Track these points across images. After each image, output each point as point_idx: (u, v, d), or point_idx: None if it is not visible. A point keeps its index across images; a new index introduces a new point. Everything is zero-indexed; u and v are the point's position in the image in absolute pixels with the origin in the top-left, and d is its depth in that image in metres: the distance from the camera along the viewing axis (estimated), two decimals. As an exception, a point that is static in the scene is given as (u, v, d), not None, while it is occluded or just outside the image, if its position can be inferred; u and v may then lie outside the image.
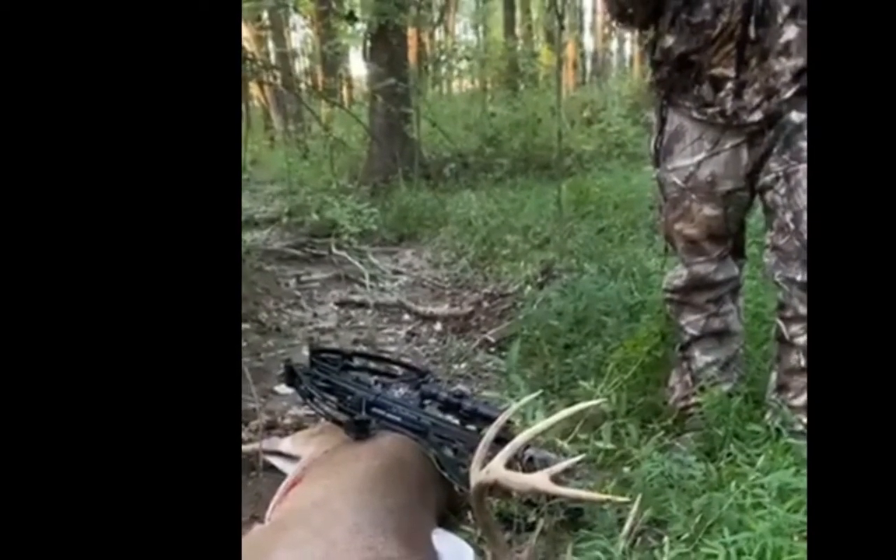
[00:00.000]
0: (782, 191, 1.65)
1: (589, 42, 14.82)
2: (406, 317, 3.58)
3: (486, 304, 3.52)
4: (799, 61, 1.57)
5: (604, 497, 1.31)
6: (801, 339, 1.67)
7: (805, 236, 1.62)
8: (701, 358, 1.89)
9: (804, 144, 1.60)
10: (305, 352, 2.03)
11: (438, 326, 3.39)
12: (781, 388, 1.74)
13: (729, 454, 1.57)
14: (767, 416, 1.71)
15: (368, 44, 6.63)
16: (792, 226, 1.65)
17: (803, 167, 1.61)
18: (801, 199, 1.62)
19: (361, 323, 3.54)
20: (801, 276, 1.64)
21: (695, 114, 1.71)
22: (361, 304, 3.78)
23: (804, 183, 1.61)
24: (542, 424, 1.27)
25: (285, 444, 1.91)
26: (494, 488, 1.26)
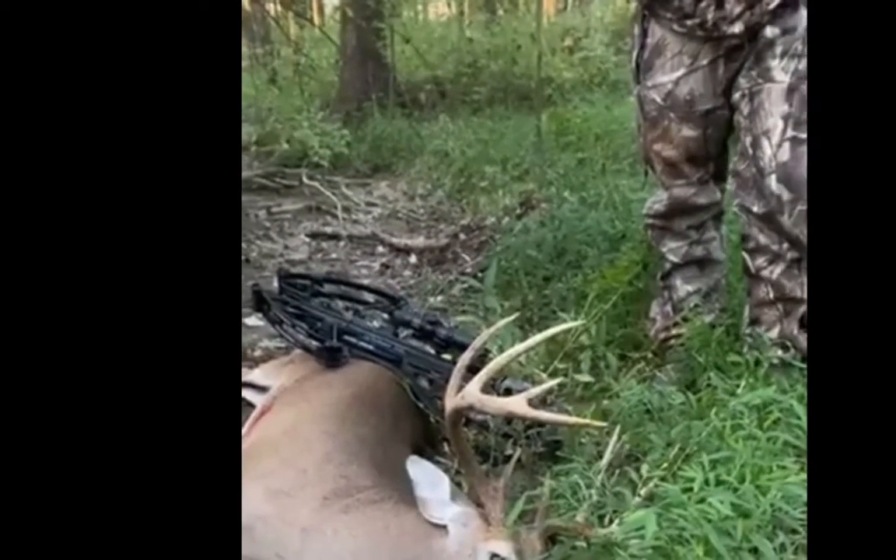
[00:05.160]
0: (746, 111, 1.58)
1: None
2: (380, 249, 3.51)
3: (462, 236, 3.46)
4: None
5: (581, 421, 1.28)
6: (767, 272, 1.64)
7: (761, 162, 1.55)
8: (682, 287, 1.85)
9: (773, 63, 1.53)
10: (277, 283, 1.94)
11: (413, 259, 3.32)
12: (754, 321, 1.71)
13: (709, 384, 1.55)
14: (745, 349, 1.69)
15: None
16: (750, 151, 1.58)
17: (767, 86, 1.53)
18: (763, 122, 1.55)
19: (334, 255, 3.46)
20: (757, 208, 1.59)
21: (675, 26, 1.62)
22: (334, 236, 3.69)
23: (766, 105, 1.54)
24: (518, 348, 1.21)
25: (255, 375, 1.84)
26: (470, 413, 1.21)
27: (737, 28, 1.54)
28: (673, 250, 1.84)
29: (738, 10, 1.52)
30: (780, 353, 1.64)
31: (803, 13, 1.52)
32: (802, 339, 1.68)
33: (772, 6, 1.50)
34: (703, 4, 1.55)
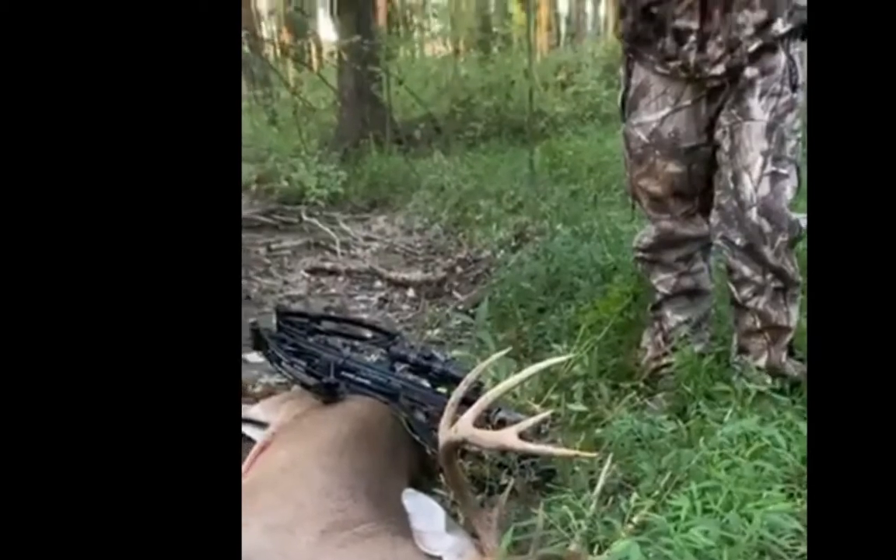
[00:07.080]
0: (727, 147, 1.64)
1: (563, 2, 14.58)
2: (378, 284, 3.54)
3: (459, 269, 3.50)
4: (762, 15, 1.54)
5: (572, 452, 1.31)
6: (753, 302, 1.68)
7: (742, 196, 1.61)
8: (673, 317, 1.89)
9: (753, 102, 1.59)
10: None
11: (411, 293, 3.36)
12: (742, 350, 1.75)
13: (698, 412, 1.58)
14: (734, 377, 1.73)
15: (335, 2, 6.44)
16: (731, 185, 1.63)
17: (748, 124, 1.60)
18: (743, 158, 1.61)
19: (333, 290, 3.49)
20: (739, 240, 1.64)
21: (658, 68, 1.68)
22: (333, 272, 3.72)
23: (747, 142, 1.60)
24: (510, 381, 1.25)
25: (255, 411, 1.87)
26: (464, 447, 1.24)
27: (718, 70, 1.60)
28: (663, 282, 1.89)
29: (719, 53, 1.58)
30: (768, 380, 1.68)
31: (781, 56, 1.59)
32: (790, 367, 1.72)
33: (751, 49, 1.57)
34: (685, 48, 1.61)
